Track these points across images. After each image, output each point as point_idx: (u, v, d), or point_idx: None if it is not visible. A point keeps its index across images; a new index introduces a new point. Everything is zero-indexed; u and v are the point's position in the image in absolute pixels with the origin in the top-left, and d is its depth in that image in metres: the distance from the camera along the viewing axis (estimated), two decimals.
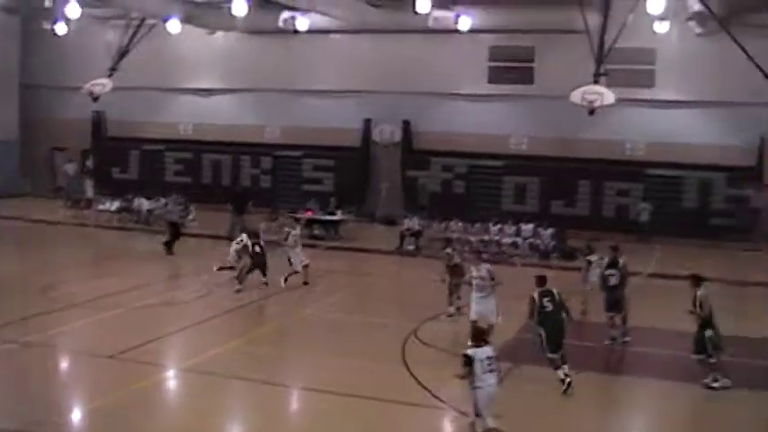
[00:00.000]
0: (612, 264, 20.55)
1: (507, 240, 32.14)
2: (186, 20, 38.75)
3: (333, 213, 34.89)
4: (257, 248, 24.72)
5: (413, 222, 33.11)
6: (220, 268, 25.40)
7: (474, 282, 19.40)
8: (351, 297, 25.05)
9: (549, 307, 16.71)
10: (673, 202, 38.08)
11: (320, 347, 19.10)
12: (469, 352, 12.74)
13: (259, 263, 24.59)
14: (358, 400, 15.48)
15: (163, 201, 36.70)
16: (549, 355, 16.61)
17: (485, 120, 40.22)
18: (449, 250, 22.79)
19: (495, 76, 40.57)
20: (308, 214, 34.94)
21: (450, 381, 15.25)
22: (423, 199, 40.17)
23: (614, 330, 19.92)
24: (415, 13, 34.21)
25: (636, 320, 20.30)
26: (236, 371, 16.83)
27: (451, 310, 21.80)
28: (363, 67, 41.09)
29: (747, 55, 21.19)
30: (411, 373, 17.00)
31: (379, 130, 41.83)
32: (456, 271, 21.80)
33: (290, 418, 15.34)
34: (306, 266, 24.94)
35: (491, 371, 12.70)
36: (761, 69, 20.97)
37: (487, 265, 19.19)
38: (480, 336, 13.15)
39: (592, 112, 30.97)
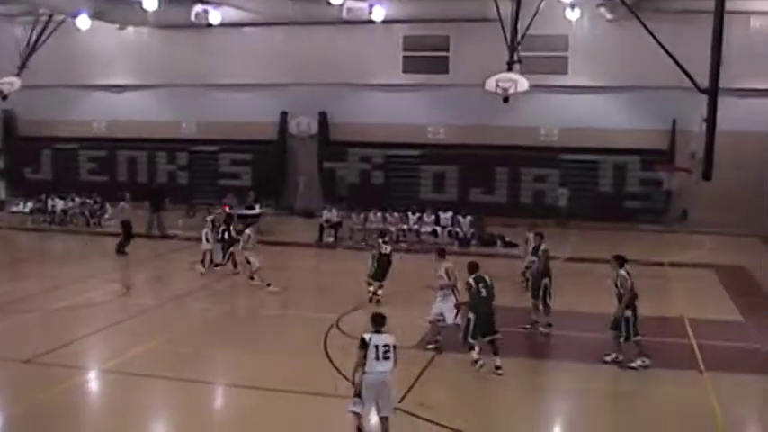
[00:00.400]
0: (535, 250, 20.79)
1: (426, 229, 32.24)
2: (96, 15, 37.96)
3: (251, 207, 34.53)
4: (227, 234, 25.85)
5: (331, 214, 32.97)
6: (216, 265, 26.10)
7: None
8: (268, 294, 24.78)
9: (484, 293, 16.87)
10: (589, 186, 38.79)
11: (242, 343, 18.84)
12: (366, 336, 12.71)
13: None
14: (282, 394, 15.30)
15: (78, 200, 35.95)
16: (471, 340, 16.74)
17: (401, 110, 40.35)
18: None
19: (410, 65, 40.69)
20: (226, 209, 34.51)
21: None
22: (341, 191, 40.10)
23: (535, 315, 20.08)
24: (329, 4, 34.19)
25: (556, 305, 20.47)
26: (158, 370, 16.49)
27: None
28: (278, 59, 40.80)
29: (656, 40, 21.48)
30: (334, 365, 16.85)
31: (295, 123, 41.64)
32: None
33: (214, 415, 15.07)
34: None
35: (386, 359, 12.58)
36: (669, 54, 21.27)
37: (447, 263, 18.83)
38: (379, 322, 12.96)
39: (506, 99, 31.20)
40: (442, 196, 38.58)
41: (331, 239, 32.34)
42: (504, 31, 32.40)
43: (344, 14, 37.67)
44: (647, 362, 16.85)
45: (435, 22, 39.43)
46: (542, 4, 32.80)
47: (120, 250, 29.43)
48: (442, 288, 18.20)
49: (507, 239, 31.89)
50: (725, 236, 34.75)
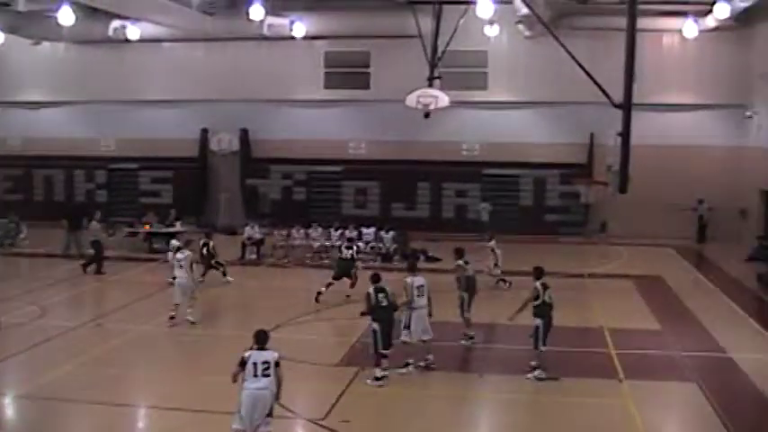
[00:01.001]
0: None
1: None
2: (9, 30, 37.20)
3: (172, 225, 34.11)
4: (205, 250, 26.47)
5: (254, 231, 32.70)
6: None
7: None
8: (194, 310, 24.49)
9: (384, 302, 17.28)
10: (510, 200, 39.26)
11: (164, 364, 18.60)
12: (246, 354, 12.88)
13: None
14: (207, 415, 15.05)
15: None
16: (382, 351, 17.01)
17: (322, 126, 40.39)
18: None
19: (332, 81, 40.76)
20: (147, 228, 34.13)
21: (299, 390, 15.22)
22: (263, 207, 39.91)
23: (470, 330, 20.25)
24: (249, 20, 33.96)
25: (479, 317, 20.67)
26: (77, 394, 16.13)
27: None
28: (198, 75, 40.50)
29: (572, 57, 21.84)
30: None
31: (216, 140, 41.31)
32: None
33: None
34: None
35: (265, 376, 12.71)
36: (585, 71, 21.66)
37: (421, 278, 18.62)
38: (261, 339, 13.14)
39: (427, 115, 31.38)
40: (364, 212, 38.63)
41: (253, 256, 32.10)
42: (424, 48, 32.66)
43: (265, 30, 37.56)
44: (543, 375, 17.13)
45: (356, 39, 39.56)
46: (462, 21, 33.08)
47: (85, 269, 28.96)
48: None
49: (430, 254, 32.04)
50: (642, 246, 35.46)
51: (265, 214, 37.83)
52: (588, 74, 21.94)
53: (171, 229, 33.77)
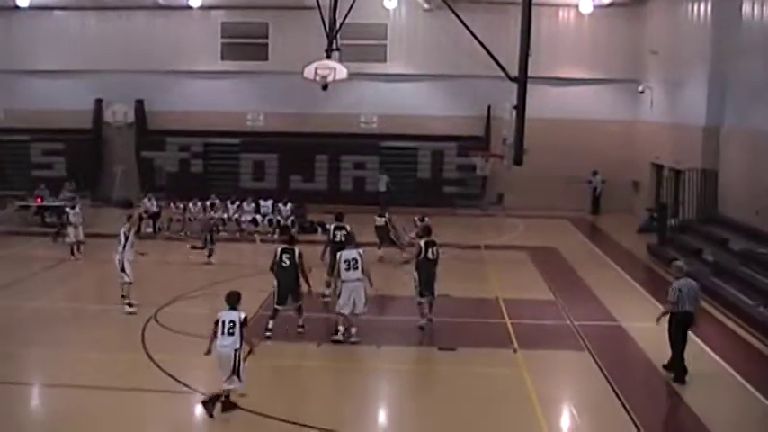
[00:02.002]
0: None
1: (247, 218, 31.88)
2: None
3: (66, 199, 33.25)
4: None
5: (150, 204, 32.11)
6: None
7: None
8: (86, 285, 23.95)
9: (287, 263, 18.04)
10: (408, 172, 39.42)
11: (55, 341, 18.02)
12: (218, 314, 13.95)
13: None
14: (101, 392, 14.80)
15: None
16: (276, 306, 18.05)
17: (220, 97, 39.85)
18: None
19: (229, 52, 40.20)
20: (38, 201, 33.19)
21: (197, 364, 15.04)
22: (160, 180, 39.19)
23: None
24: None
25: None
26: None
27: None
28: (92, 45, 39.41)
29: (469, 30, 21.97)
30: (152, 360, 16.49)
31: (111, 111, 40.26)
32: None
33: (31, 417, 14.40)
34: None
35: (230, 334, 13.68)
36: (481, 44, 21.80)
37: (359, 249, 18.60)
38: (231, 300, 14.10)
39: (325, 87, 31.16)
40: (262, 184, 38.29)
41: (149, 230, 31.50)
42: (322, 19, 32.42)
43: (161, 0, 36.84)
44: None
45: (254, 9, 39.13)
46: None
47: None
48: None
49: (328, 226, 31.98)
50: (538, 218, 36.06)
51: (162, 187, 37.14)
52: (485, 47, 22.09)
53: (64, 203, 32.98)
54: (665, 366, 16.34)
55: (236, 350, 13.67)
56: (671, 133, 33.38)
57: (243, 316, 13.85)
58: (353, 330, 18.11)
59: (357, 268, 17.97)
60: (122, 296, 20.20)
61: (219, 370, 13.80)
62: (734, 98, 28.13)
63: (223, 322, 13.71)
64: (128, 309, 19.91)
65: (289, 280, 18.08)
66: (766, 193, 24.68)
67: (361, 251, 18.32)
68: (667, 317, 16.21)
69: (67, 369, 16.11)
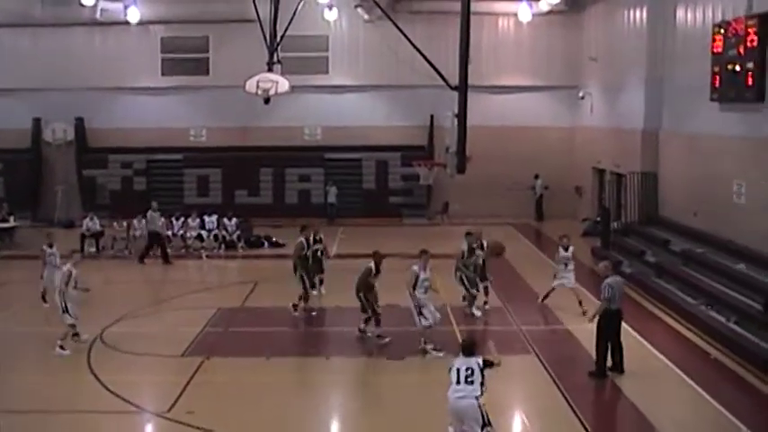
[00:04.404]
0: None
1: (192, 234, 31.62)
2: None
3: (5, 220, 32.80)
4: None
5: (93, 223, 31.72)
6: None
7: (424, 285, 18.44)
8: (29, 308, 23.45)
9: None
10: (354, 183, 39.49)
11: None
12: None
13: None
14: (48, 415, 14.59)
15: None
16: None
17: (161, 113, 39.47)
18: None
19: (170, 67, 39.86)
20: None
21: (143, 383, 14.91)
22: (102, 198, 38.72)
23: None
24: (81, 5, 32.96)
25: (326, 301, 20.86)
26: None
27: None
28: (28, 63, 38.69)
29: (409, 40, 22.18)
30: (99, 380, 16.30)
31: (50, 130, 39.62)
32: None
33: None
34: None
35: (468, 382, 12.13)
36: (422, 54, 22.00)
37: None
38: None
39: (267, 100, 31.15)
40: (207, 200, 37.99)
41: (93, 249, 31.11)
42: (263, 32, 32.41)
43: (98, 16, 36.55)
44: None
45: (194, 23, 38.88)
46: (300, 5, 33.04)
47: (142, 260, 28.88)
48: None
49: (274, 240, 32.00)
50: (483, 225, 36.03)
51: (105, 205, 36.70)
52: (425, 57, 22.27)
53: (3, 225, 32.56)
54: (602, 372, 16.51)
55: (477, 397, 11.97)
56: (611, 138, 33.84)
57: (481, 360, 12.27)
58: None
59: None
60: (70, 337, 18.56)
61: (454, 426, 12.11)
62: (671, 102, 28.63)
63: (458, 370, 12.05)
64: (62, 351, 18.13)
65: None
66: (704, 195, 25.14)
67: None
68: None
69: (11, 393, 15.84)
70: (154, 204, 30.15)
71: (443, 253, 25.46)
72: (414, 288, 18.11)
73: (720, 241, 23.21)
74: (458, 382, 11.93)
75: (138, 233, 31.27)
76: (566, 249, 22.07)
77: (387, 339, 18.84)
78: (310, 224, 23.68)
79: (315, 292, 22.66)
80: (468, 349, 12.34)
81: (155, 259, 29.55)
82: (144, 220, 30.96)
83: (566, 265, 21.99)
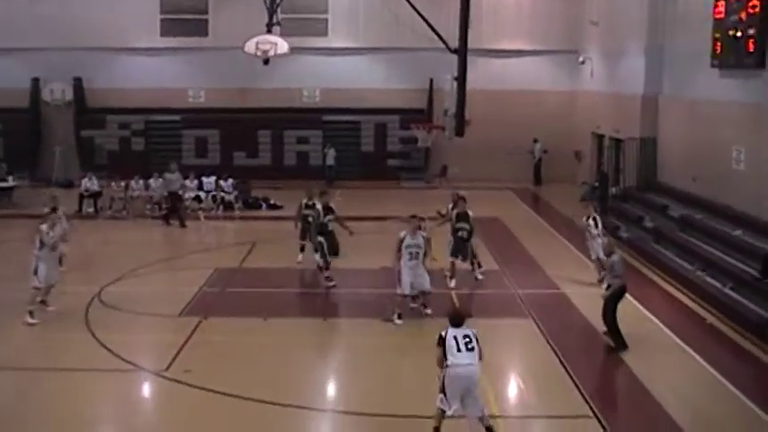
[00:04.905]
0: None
1: (190, 195, 31.54)
2: None
3: (4, 180, 32.77)
4: None
5: (91, 183, 31.68)
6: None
7: (409, 250, 17.80)
8: (27, 266, 23.56)
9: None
10: (352, 146, 39.40)
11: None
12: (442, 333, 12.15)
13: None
14: (44, 372, 14.67)
15: None
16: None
17: (160, 74, 39.24)
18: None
19: (168, 28, 39.59)
20: None
21: (140, 342, 14.97)
22: (100, 159, 38.63)
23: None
24: None
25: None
26: None
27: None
28: (26, 22, 38.38)
29: (410, 3, 22.05)
30: (96, 338, 16.37)
31: (48, 90, 39.49)
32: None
33: None
34: None
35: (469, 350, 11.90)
36: (422, 17, 21.92)
37: (423, 233, 18.26)
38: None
39: (266, 61, 31.17)
40: (205, 161, 37.91)
41: (91, 209, 31.11)
42: None
43: None
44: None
45: None
46: None
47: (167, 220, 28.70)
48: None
49: (272, 202, 32.00)
50: (482, 190, 36.06)
51: (102, 166, 36.62)
52: (425, 20, 22.19)
53: (2, 185, 32.54)
54: (622, 344, 16.11)
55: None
56: (611, 103, 33.75)
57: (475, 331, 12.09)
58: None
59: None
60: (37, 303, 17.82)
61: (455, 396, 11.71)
62: (671, 68, 28.52)
63: (455, 338, 11.79)
64: (29, 319, 17.36)
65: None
66: (702, 161, 25.13)
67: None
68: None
69: (7, 350, 15.91)
70: (173, 166, 29.89)
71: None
72: (399, 252, 17.71)
73: (718, 207, 23.24)
74: (458, 350, 11.65)
75: (137, 194, 31.33)
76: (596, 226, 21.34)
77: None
78: (316, 189, 22.80)
79: (299, 258, 22.28)
80: (456, 321, 12.08)
81: (153, 221, 29.63)
82: (142, 181, 31.05)
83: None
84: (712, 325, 18.02)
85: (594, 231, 21.09)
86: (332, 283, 20.34)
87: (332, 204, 21.53)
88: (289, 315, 18.72)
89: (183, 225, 28.60)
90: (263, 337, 16.85)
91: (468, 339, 11.80)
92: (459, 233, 20.64)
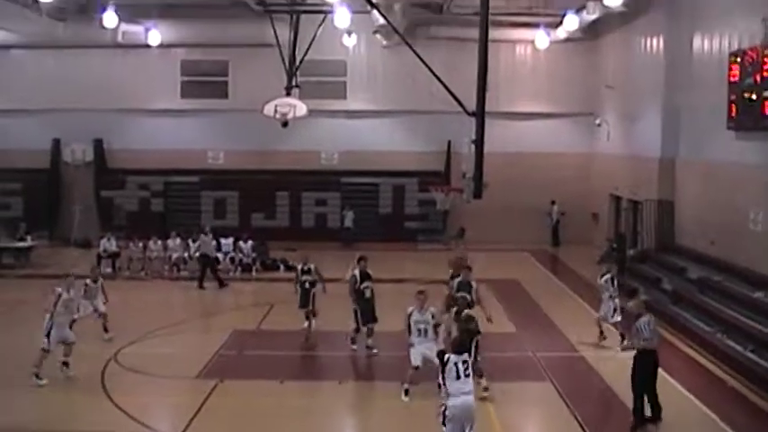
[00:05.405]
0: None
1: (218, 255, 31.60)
2: None
3: (23, 239, 33.00)
4: None
5: (110, 244, 31.87)
6: None
7: (417, 327, 17.30)
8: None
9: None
10: (370, 208, 39.52)
11: (13, 383, 17.79)
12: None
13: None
14: None
15: None
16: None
17: (180, 135, 39.66)
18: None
19: (189, 90, 40.11)
20: None
21: (157, 404, 14.91)
22: (119, 219, 38.86)
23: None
24: (103, 27, 33.20)
25: (343, 324, 20.85)
26: None
27: None
28: (50, 84, 39.01)
29: (427, 66, 22.16)
30: (112, 401, 16.34)
31: (69, 150, 39.95)
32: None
33: None
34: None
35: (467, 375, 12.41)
36: (440, 80, 21.99)
37: (433, 308, 17.68)
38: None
39: (285, 124, 31.37)
40: (224, 222, 38.04)
41: (109, 270, 31.21)
42: (282, 57, 32.68)
43: (120, 38, 36.80)
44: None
45: (214, 47, 39.06)
46: (320, 30, 33.31)
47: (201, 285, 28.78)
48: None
49: (290, 263, 31.99)
50: (499, 251, 36.22)
51: (122, 226, 36.85)
52: (443, 83, 22.26)
53: (20, 244, 32.76)
54: (641, 420, 15.26)
55: None
56: (628, 165, 33.80)
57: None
58: None
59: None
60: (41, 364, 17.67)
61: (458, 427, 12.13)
62: (687, 130, 28.60)
63: (456, 364, 12.20)
64: (37, 381, 17.40)
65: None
66: (720, 222, 25.06)
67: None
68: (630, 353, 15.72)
69: (24, 411, 15.89)
70: (206, 228, 30.65)
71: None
72: (408, 327, 17.25)
73: (737, 269, 23.13)
74: (458, 377, 12.09)
75: (155, 255, 31.45)
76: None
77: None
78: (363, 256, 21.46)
79: (306, 324, 21.52)
80: (460, 348, 12.49)
81: (171, 282, 29.76)
82: (160, 242, 31.28)
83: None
84: (734, 388, 17.83)
85: (610, 291, 21.03)
86: (374, 351, 20.16)
87: (369, 271, 20.73)
88: (306, 378, 18.65)
89: (221, 285, 28.86)
90: (279, 400, 16.77)
91: (466, 365, 12.21)
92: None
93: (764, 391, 17.12)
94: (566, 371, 18.98)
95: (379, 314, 20.40)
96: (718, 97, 24.19)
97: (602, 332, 21.24)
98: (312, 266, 21.45)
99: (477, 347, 16.60)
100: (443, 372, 12.10)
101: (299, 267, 21.72)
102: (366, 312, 20.31)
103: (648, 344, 15.25)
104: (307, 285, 21.28)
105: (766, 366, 17.93)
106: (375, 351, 20.15)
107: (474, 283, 19.28)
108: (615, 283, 21.35)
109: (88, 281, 21.38)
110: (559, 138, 40.02)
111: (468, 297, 18.32)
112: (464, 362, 12.18)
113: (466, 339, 13.33)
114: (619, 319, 20.89)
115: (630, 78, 33.90)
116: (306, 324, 21.33)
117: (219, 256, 31.51)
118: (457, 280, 19.59)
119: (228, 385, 17.41)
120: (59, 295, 18.07)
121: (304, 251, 23.17)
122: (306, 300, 21.33)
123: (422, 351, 16.98)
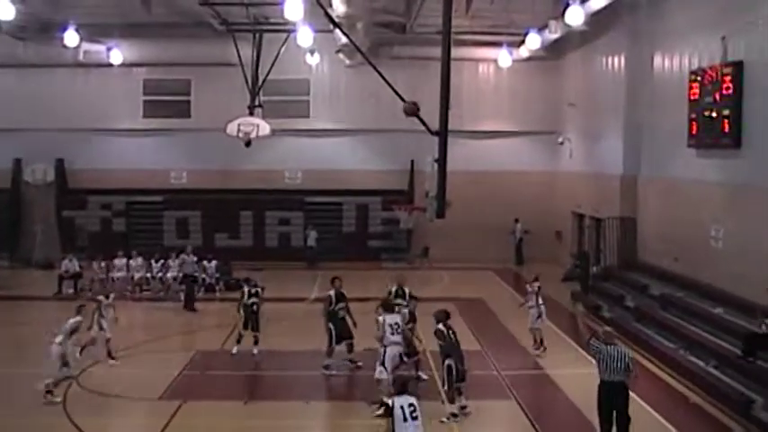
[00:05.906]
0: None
1: (171, 275, 31.41)
2: None
3: None
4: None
5: (72, 264, 31.55)
6: None
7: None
8: (3, 350, 23.31)
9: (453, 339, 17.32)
10: (333, 227, 39.48)
11: None
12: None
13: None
14: None
15: None
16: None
17: (142, 155, 39.48)
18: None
19: (151, 109, 39.92)
20: None
21: (119, 426, 14.72)
22: (81, 240, 38.47)
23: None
24: (64, 46, 32.96)
25: (300, 344, 20.76)
26: None
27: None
28: (10, 103, 38.58)
29: (389, 85, 22.11)
30: (74, 423, 16.12)
31: (30, 170, 39.54)
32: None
33: None
34: None
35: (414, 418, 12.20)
36: (403, 100, 22.00)
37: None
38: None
39: (248, 143, 31.34)
40: (187, 242, 37.65)
41: (71, 291, 30.89)
42: (245, 76, 32.66)
43: (81, 57, 36.55)
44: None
45: (176, 66, 38.91)
46: (282, 49, 33.33)
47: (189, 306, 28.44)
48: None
49: (254, 283, 31.81)
50: (463, 270, 36.31)
51: (83, 247, 36.49)
52: (405, 102, 22.36)
53: None
54: None
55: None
56: (590, 183, 34.07)
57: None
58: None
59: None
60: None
61: None
62: (649, 147, 28.89)
63: (402, 407, 12.01)
64: (51, 398, 17.48)
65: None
66: (682, 239, 25.29)
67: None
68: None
69: None
70: (188, 248, 30.81)
71: (425, 296, 25.61)
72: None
73: (699, 285, 23.31)
74: (405, 420, 11.89)
75: (119, 274, 31.17)
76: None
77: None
78: (337, 276, 21.49)
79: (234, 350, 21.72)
80: (401, 389, 12.37)
81: (134, 302, 29.51)
82: (123, 261, 31.02)
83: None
84: (696, 404, 17.95)
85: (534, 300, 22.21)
86: (358, 364, 20.22)
87: (344, 291, 20.83)
88: (271, 398, 18.52)
89: (191, 308, 28.62)
90: (243, 421, 16.65)
91: (412, 408, 12.01)
92: None
93: (726, 407, 17.24)
94: (530, 389, 19.05)
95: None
96: (678, 115, 24.51)
97: (535, 341, 22.21)
98: (260, 290, 21.96)
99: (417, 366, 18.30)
100: (392, 416, 11.97)
101: (245, 290, 22.15)
102: (342, 331, 20.30)
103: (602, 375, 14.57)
104: (254, 308, 21.75)
105: (728, 382, 18.08)
106: (359, 364, 20.13)
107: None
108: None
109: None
110: (522, 156, 40.30)
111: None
112: (410, 404, 12.02)
113: (407, 380, 13.23)
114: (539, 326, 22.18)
115: (592, 97, 34.24)
116: (235, 349, 21.53)
117: (180, 275, 31.09)
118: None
119: (192, 406, 17.25)
120: (79, 325, 18.61)
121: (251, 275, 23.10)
122: (246, 323, 21.73)
123: (398, 350, 17.57)
